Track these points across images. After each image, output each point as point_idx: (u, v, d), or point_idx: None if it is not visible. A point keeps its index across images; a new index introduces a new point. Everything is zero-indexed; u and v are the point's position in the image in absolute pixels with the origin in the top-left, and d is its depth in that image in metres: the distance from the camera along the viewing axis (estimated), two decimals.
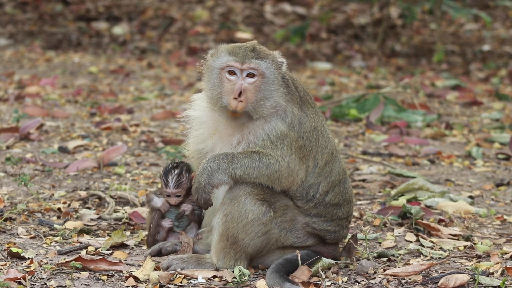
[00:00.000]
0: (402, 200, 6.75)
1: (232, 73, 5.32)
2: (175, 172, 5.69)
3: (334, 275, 5.36)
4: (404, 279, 5.29)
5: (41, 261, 5.45)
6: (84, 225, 6.14)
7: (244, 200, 5.26)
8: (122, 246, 5.82)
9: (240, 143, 5.35)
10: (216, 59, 5.36)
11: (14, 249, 5.51)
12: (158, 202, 5.75)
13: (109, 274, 5.31)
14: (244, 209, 5.26)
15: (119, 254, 5.64)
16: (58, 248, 5.75)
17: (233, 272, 5.26)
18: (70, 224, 6.11)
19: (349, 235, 5.69)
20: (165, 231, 5.73)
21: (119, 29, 16.68)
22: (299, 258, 5.31)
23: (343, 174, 5.50)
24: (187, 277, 5.27)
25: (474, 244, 5.99)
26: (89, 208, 6.57)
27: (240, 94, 5.27)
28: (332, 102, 10.66)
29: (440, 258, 5.73)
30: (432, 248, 5.90)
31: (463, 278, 5.15)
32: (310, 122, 5.39)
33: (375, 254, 5.69)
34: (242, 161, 5.24)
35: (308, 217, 5.40)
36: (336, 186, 5.44)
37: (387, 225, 6.36)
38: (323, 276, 5.26)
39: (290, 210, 5.37)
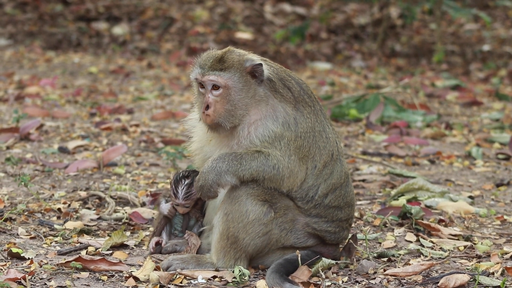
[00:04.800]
0: (402, 200, 6.74)
1: (201, 86, 5.36)
2: (185, 183, 5.58)
3: (334, 275, 5.36)
4: (404, 279, 5.29)
5: (41, 261, 5.45)
6: (84, 225, 6.14)
7: (245, 200, 5.25)
8: (122, 246, 5.81)
9: (240, 148, 5.33)
10: (192, 70, 5.43)
11: (14, 250, 5.51)
12: (165, 209, 5.70)
13: (109, 274, 5.31)
14: (245, 209, 5.26)
15: (119, 254, 5.63)
16: (58, 248, 5.75)
17: (233, 272, 5.26)
18: (70, 224, 6.11)
19: (349, 235, 5.69)
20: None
21: (119, 29, 16.67)
22: (299, 258, 5.30)
23: (344, 177, 5.45)
24: (187, 277, 5.27)
25: (474, 244, 5.99)
26: (89, 208, 6.57)
27: (208, 107, 5.29)
28: (332, 102, 10.66)
29: (440, 258, 5.72)
30: (432, 248, 5.90)
31: (463, 278, 5.15)
32: (307, 121, 5.35)
33: (375, 254, 5.69)
34: (250, 163, 5.22)
35: (308, 217, 5.39)
36: (337, 189, 5.42)
37: (387, 225, 6.36)
38: (323, 276, 5.25)
39: (291, 211, 5.36)
